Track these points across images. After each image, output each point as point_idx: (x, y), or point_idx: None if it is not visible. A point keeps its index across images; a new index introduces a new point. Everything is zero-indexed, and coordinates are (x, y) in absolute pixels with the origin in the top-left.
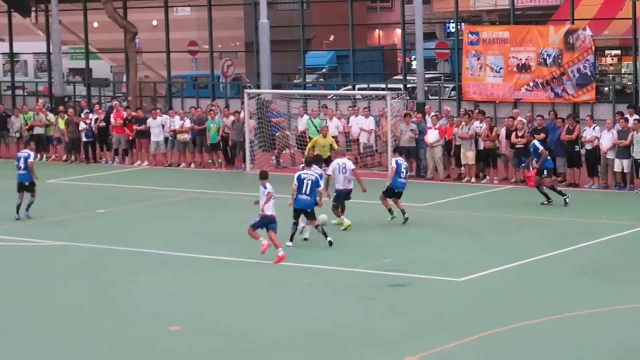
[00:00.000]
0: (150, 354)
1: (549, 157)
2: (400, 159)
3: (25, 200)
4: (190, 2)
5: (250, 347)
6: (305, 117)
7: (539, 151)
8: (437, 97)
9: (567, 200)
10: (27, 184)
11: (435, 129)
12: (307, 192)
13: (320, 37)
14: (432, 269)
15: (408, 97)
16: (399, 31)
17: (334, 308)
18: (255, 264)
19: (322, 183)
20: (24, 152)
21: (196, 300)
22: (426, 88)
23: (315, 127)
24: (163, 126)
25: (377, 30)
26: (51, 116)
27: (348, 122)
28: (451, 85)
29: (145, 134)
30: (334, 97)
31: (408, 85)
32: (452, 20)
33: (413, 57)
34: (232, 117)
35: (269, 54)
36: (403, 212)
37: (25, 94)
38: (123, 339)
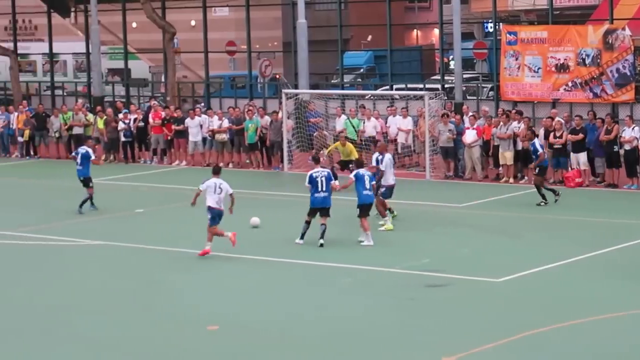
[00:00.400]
0: (188, 353)
1: (546, 157)
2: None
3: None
4: (229, 2)
5: (286, 347)
6: (343, 117)
7: (538, 153)
8: (475, 97)
9: (543, 204)
10: (81, 179)
11: (473, 129)
12: (324, 189)
13: (358, 37)
14: (470, 269)
15: (446, 97)
16: (436, 31)
17: (371, 308)
18: (292, 264)
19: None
20: (82, 149)
21: (233, 299)
22: (464, 88)
23: (353, 127)
24: (201, 126)
25: (415, 30)
26: (90, 116)
27: (386, 122)
28: (489, 86)
29: (184, 134)
30: (372, 97)
31: (446, 86)
32: (490, 20)
33: (451, 57)
34: (269, 117)
35: (307, 54)
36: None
37: (65, 94)
38: (161, 339)
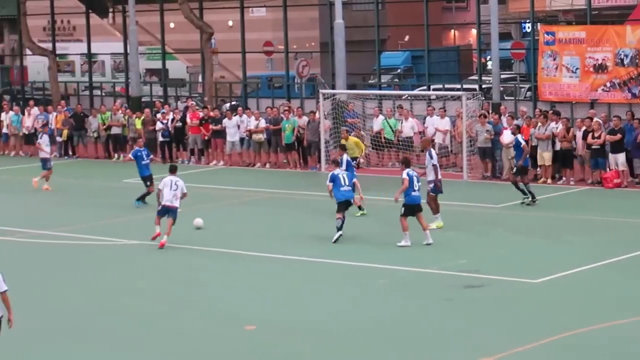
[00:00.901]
0: (225, 353)
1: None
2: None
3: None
4: (266, 2)
5: (324, 346)
6: (381, 117)
7: (521, 146)
8: (512, 98)
9: (527, 202)
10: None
11: (511, 129)
12: (347, 184)
13: (395, 37)
14: (508, 270)
15: (483, 98)
16: (474, 31)
17: (408, 309)
18: (330, 264)
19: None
20: (143, 149)
21: (270, 299)
22: (501, 88)
23: (391, 127)
24: (239, 126)
25: (452, 30)
26: (119, 115)
27: (424, 123)
28: (527, 86)
29: (221, 134)
30: (409, 98)
31: (483, 86)
32: (528, 20)
33: (488, 57)
34: (306, 117)
35: (344, 55)
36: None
37: (103, 94)
38: (198, 339)
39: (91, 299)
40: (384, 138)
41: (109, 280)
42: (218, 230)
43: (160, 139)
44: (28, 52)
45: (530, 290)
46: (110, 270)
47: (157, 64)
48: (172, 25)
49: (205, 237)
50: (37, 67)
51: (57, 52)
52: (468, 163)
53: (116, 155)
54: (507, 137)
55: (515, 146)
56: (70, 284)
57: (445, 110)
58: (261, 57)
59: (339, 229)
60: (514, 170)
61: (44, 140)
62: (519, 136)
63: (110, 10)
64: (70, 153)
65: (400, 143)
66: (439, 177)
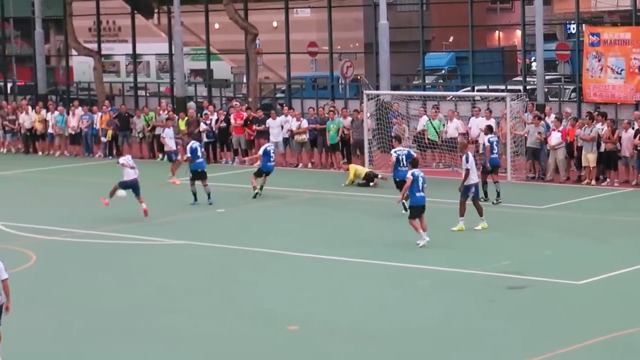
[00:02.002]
0: (267, 353)
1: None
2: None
3: (199, 188)
4: (311, 3)
5: (367, 347)
6: (425, 117)
7: (485, 146)
8: (557, 99)
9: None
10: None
11: (559, 131)
12: (404, 165)
13: (439, 38)
14: (551, 271)
15: (527, 99)
16: (519, 32)
17: (451, 310)
18: (372, 265)
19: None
20: (195, 143)
21: (313, 299)
22: (546, 90)
23: (434, 128)
24: (282, 127)
25: (496, 31)
26: (148, 114)
27: (468, 123)
28: (571, 87)
29: (265, 134)
30: (453, 99)
31: (528, 87)
32: (572, 21)
33: (533, 58)
34: (351, 118)
35: (388, 55)
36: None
37: (148, 94)
38: (241, 338)
39: (136, 299)
40: (428, 139)
41: (153, 280)
42: (261, 230)
43: (205, 139)
44: (74, 52)
45: (574, 291)
46: (155, 270)
47: (202, 65)
48: (217, 26)
49: (248, 237)
50: (82, 67)
51: (103, 52)
52: (512, 164)
53: (160, 156)
54: (554, 138)
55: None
56: (116, 284)
57: (490, 112)
58: (305, 57)
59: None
60: (482, 168)
61: (167, 134)
62: (491, 136)
63: (156, 11)
64: (115, 153)
65: (444, 144)
66: (472, 181)
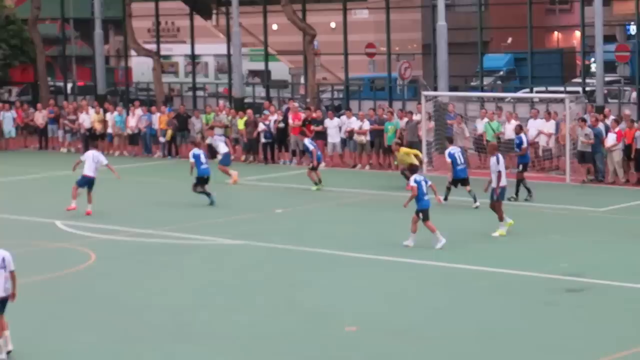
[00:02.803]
0: (325, 354)
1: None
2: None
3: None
4: (369, 4)
5: (424, 348)
6: (484, 119)
7: (522, 147)
8: (616, 101)
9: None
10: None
11: (614, 132)
12: (462, 162)
13: (498, 39)
14: (610, 274)
15: (587, 101)
16: (578, 33)
17: (510, 312)
18: (429, 266)
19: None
20: (198, 150)
21: (372, 300)
22: (605, 91)
23: (493, 130)
24: (340, 127)
25: (555, 32)
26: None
27: (526, 125)
28: (631, 89)
29: (323, 135)
30: (512, 100)
31: (587, 89)
32: (632, 22)
33: (592, 59)
34: (405, 118)
35: (447, 57)
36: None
37: (206, 95)
38: (298, 339)
39: (194, 299)
40: (486, 141)
41: (211, 279)
42: (319, 231)
43: (263, 140)
44: (133, 53)
45: (634, 294)
46: (213, 270)
47: (260, 66)
48: (275, 27)
49: (306, 237)
50: (141, 68)
51: (162, 53)
52: (571, 166)
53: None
54: (610, 140)
55: (517, 145)
56: (174, 283)
57: (549, 114)
58: (363, 58)
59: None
60: (521, 168)
61: (215, 140)
62: (522, 136)
63: (214, 12)
64: (174, 153)
65: (502, 145)
66: (502, 183)
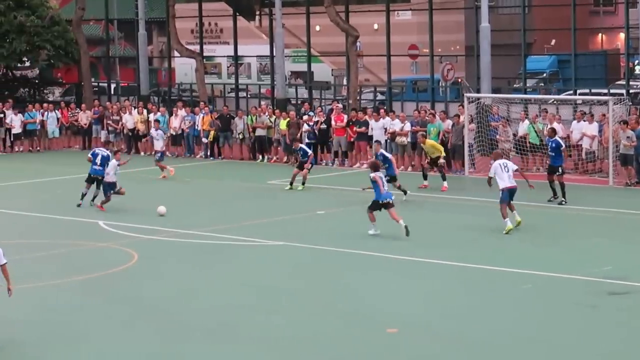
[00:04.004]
0: (367, 355)
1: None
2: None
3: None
4: (412, 5)
5: (466, 351)
6: (526, 121)
7: (561, 149)
8: None
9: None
10: (100, 178)
11: (546, 132)
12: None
13: (541, 41)
14: None
15: (630, 103)
16: (622, 35)
17: (552, 315)
18: (471, 268)
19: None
20: (103, 151)
21: (413, 302)
22: None
23: (536, 132)
24: (385, 129)
25: (599, 34)
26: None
27: (569, 127)
28: None
29: (366, 136)
30: (555, 102)
31: (631, 91)
32: None
33: (636, 61)
34: (450, 121)
35: (490, 58)
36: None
37: (248, 96)
38: (339, 340)
39: (233, 299)
40: (529, 142)
41: (251, 280)
42: (360, 232)
43: (306, 140)
44: (176, 54)
45: None
46: (253, 271)
47: (303, 67)
48: (317, 28)
49: (343, 239)
50: (184, 68)
51: (205, 54)
52: (614, 169)
53: (261, 157)
54: None
55: (554, 149)
56: (214, 284)
57: (592, 116)
58: (406, 60)
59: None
60: (561, 171)
61: (155, 134)
62: (558, 139)
63: (257, 13)
64: (216, 154)
65: (545, 147)
66: (509, 184)
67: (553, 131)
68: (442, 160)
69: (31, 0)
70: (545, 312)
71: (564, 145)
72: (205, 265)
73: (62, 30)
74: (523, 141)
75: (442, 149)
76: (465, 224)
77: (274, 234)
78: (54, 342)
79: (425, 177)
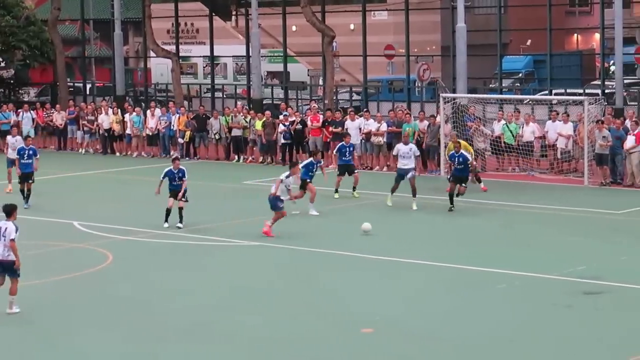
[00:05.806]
0: (342, 356)
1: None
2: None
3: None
4: (388, 6)
5: (442, 351)
6: (502, 121)
7: (468, 162)
8: (635, 103)
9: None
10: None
11: (633, 135)
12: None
13: (517, 41)
14: (629, 277)
15: (606, 103)
16: (597, 36)
17: (528, 314)
18: (446, 268)
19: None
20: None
21: (389, 302)
22: (625, 94)
23: (511, 132)
24: (360, 129)
25: (575, 34)
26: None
27: (544, 127)
28: None
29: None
30: (530, 102)
31: (606, 91)
32: None
33: (612, 62)
34: (427, 121)
35: (466, 58)
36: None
37: (224, 96)
38: (316, 340)
39: (211, 300)
40: (504, 142)
41: (229, 281)
42: (335, 232)
43: (282, 141)
44: (152, 54)
45: None
46: (230, 271)
47: (279, 67)
48: (294, 28)
49: (322, 239)
50: (160, 69)
51: (181, 54)
52: (589, 169)
53: (236, 157)
54: (629, 142)
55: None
56: (191, 285)
57: (568, 115)
58: (382, 60)
59: None
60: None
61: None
62: (464, 152)
63: (233, 13)
64: (192, 154)
65: (521, 148)
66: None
67: (459, 145)
68: (473, 162)
69: (6, 0)
70: (520, 312)
71: (470, 159)
72: (180, 266)
73: (38, 30)
74: (498, 141)
75: (472, 150)
76: (441, 224)
77: (250, 235)
78: (29, 342)
79: (479, 180)
